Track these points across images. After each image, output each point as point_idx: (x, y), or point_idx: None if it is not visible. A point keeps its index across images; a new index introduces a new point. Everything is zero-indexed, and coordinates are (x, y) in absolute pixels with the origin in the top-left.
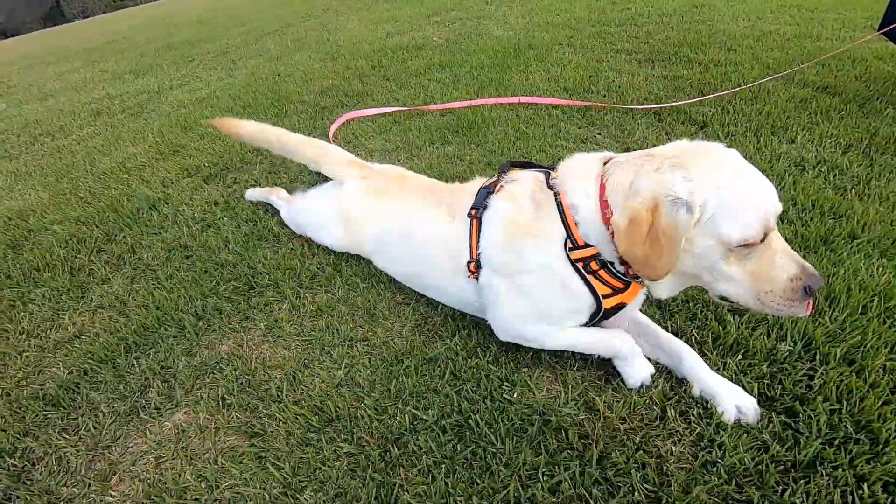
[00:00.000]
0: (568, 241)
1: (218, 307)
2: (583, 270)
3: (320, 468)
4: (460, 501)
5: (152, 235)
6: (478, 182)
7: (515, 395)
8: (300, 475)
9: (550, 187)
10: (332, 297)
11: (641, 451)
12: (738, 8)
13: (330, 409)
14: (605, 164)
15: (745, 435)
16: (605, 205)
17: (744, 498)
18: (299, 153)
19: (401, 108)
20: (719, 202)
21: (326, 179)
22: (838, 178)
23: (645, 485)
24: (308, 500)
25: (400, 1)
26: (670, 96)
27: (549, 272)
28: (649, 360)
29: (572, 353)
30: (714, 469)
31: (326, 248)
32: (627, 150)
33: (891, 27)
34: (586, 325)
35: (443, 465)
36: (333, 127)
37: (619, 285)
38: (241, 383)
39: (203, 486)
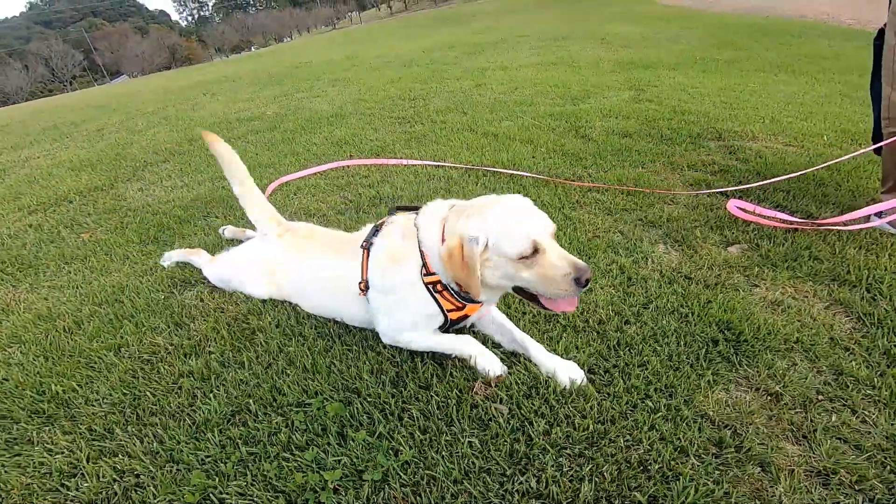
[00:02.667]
0: (423, 267)
1: None
2: (432, 290)
3: None
4: None
5: None
6: (367, 228)
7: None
8: None
9: (415, 226)
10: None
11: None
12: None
13: None
14: (451, 208)
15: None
16: (443, 241)
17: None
18: (246, 186)
19: (330, 166)
20: (499, 233)
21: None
22: None
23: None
24: None
25: (264, 85)
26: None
27: (410, 290)
28: (504, 352)
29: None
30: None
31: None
32: (465, 197)
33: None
34: (443, 331)
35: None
36: (270, 187)
37: (458, 304)
38: None
39: None
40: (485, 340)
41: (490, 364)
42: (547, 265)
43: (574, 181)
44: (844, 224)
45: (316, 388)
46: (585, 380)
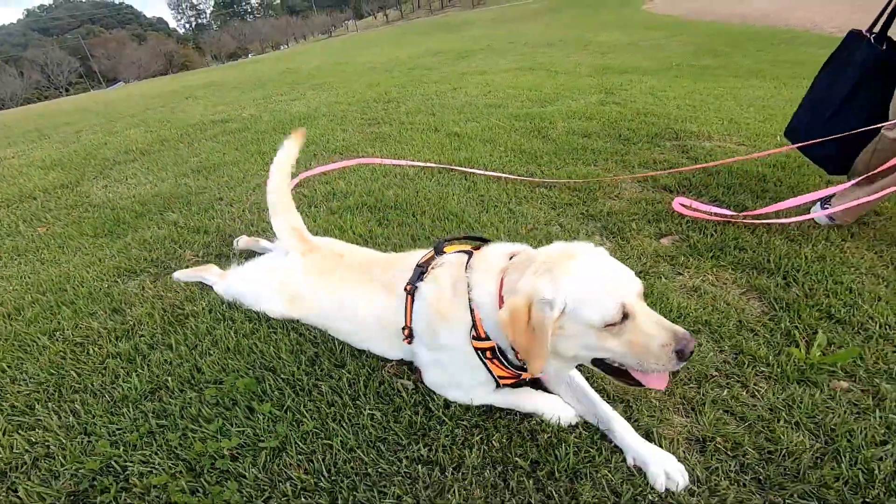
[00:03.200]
0: (473, 328)
1: None
2: (482, 356)
3: None
4: None
5: None
6: (412, 257)
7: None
8: None
9: (466, 275)
10: None
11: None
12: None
13: None
14: (511, 258)
15: None
16: (501, 301)
17: None
18: (281, 190)
19: (348, 163)
20: (577, 296)
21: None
22: None
23: None
24: None
25: (246, 89)
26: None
27: (456, 353)
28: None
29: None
30: None
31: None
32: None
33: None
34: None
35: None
36: (293, 182)
37: (512, 373)
38: None
39: None
40: None
41: (560, 412)
42: (640, 333)
43: (526, 178)
44: (777, 216)
45: (234, 367)
46: (686, 481)
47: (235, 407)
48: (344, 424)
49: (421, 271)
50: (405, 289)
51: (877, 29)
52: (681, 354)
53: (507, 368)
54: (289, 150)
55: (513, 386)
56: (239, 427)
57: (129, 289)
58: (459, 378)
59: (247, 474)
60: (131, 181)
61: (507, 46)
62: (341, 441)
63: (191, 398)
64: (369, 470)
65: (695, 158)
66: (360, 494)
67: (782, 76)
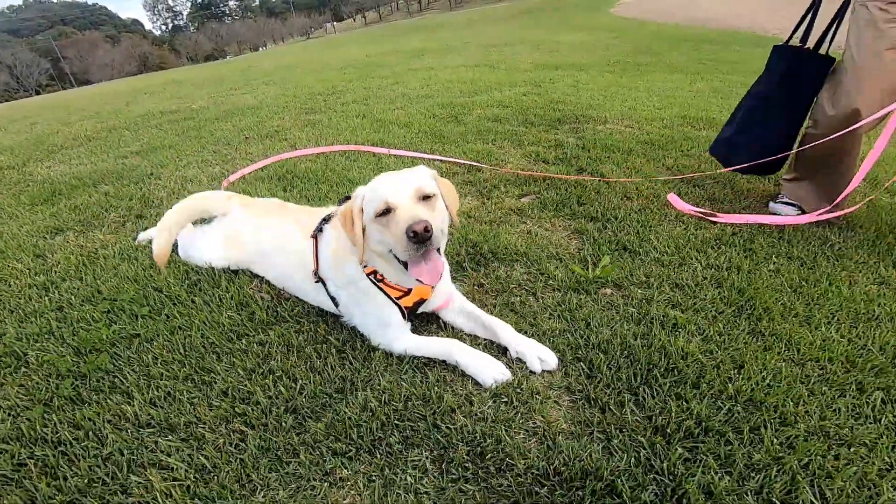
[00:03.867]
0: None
1: None
2: (374, 281)
3: None
4: None
5: None
6: (326, 209)
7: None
8: None
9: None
10: None
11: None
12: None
13: None
14: None
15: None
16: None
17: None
18: (199, 210)
19: (279, 157)
20: (368, 195)
21: None
22: None
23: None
24: None
25: (202, 85)
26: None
27: (359, 283)
28: (479, 343)
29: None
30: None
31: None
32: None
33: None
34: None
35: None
36: (229, 179)
37: (403, 290)
38: None
39: None
40: (456, 334)
41: (490, 371)
42: (394, 223)
43: (426, 154)
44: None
45: (128, 289)
46: (557, 363)
47: (122, 312)
48: (206, 322)
49: (324, 221)
50: (311, 236)
51: (798, 39)
52: (413, 236)
53: (395, 287)
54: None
55: (412, 311)
56: (121, 325)
57: (55, 242)
58: (373, 311)
59: (122, 354)
60: (74, 161)
61: (466, 46)
62: (201, 333)
63: (87, 309)
64: (218, 350)
65: (582, 138)
66: (206, 363)
67: (702, 71)
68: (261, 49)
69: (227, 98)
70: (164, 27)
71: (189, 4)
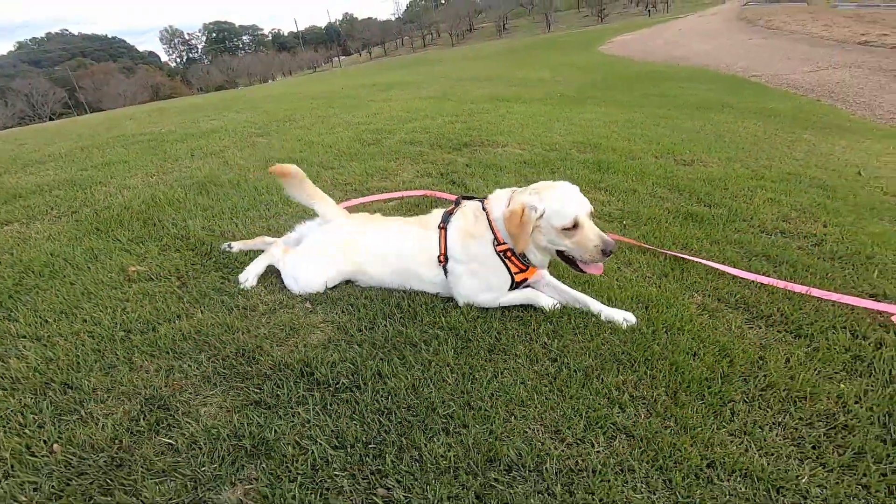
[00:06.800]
0: (494, 240)
1: None
2: (503, 257)
3: None
4: None
5: None
6: (439, 211)
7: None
8: None
9: (483, 209)
10: None
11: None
12: None
13: None
14: (513, 192)
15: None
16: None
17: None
18: (318, 196)
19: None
20: (552, 208)
21: None
22: None
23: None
24: None
25: (185, 112)
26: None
27: (486, 259)
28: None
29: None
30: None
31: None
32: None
33: None
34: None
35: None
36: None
37: (522, 266)
38: None
39: None
40: None
41: (546, 301)
42: (583, 237)
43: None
44: None
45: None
46: (636, 320)
47: (30, 272)
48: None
49: (448, 213)
50: (438, 226)
51: None
52: (605, 252)
53: (520, 262)
54: (291, 186)
55: (518, 285)
56: (26, 280)
57: (3, 231)
58: (489, 280)
59: (21, 297)
60: (42, 174)
61: (438, 80)
62: (84, 286)
63: (6, 271)
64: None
65: (472, 157)
66: (83, 305)
67: (632, 104)
68: (270, 81)
69: (195, 123)
70: (178, 59)
71: (204, 39)
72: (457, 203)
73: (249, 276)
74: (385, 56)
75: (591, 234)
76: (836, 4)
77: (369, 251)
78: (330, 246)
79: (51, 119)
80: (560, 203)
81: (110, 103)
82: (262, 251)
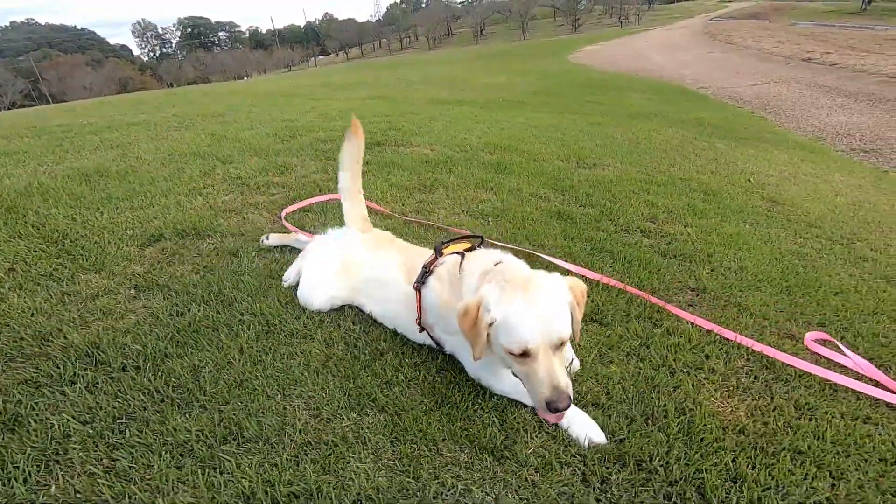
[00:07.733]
0: None
1: None
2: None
3: None
4: None
5: None
6: (427, 251)
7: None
8: None
9: (462, 269)
10: None
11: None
12: None
13: None
14: (495, 265)
15: None
16: None
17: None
18: (356, 183)
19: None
20: (504, 322)
21: None
22: None
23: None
24: None
25: (136, 105)
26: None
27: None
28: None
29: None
30: None
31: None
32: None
33: None
34: None
35: None
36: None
37: None
38: None
39: None
40: None
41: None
42: (533, 374)
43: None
44: None
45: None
46: (604, 440)
47: None
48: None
49: (425, 271)
50: (413, 287)
51: None
52: (550, 406)
53: None
54: (352, 144)
55: None
56: None
57: None
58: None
59: None
60: None
61: (398, 82)
62: None
63: None
64: None
65: (379, 157)
66: None
67: (568, 111)
68: (245, 79)
69: (122, 116)
70: (151, 53)
71: (178, 34)
72: (437, 253)
73: (290, 277)
74: (362, 57)
75: (542, 374)
76: (794, 23)
77: (364, 281)
78: (335, 260)
79: (9, 109)
80: (515, 318)
81: (74, 96)
82: (290, 246)
